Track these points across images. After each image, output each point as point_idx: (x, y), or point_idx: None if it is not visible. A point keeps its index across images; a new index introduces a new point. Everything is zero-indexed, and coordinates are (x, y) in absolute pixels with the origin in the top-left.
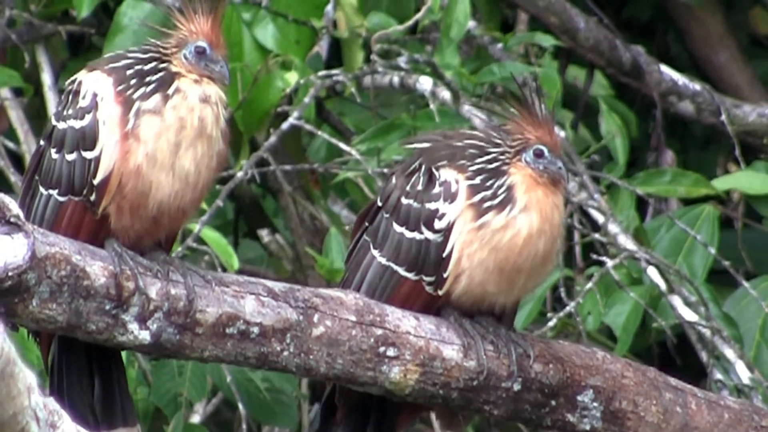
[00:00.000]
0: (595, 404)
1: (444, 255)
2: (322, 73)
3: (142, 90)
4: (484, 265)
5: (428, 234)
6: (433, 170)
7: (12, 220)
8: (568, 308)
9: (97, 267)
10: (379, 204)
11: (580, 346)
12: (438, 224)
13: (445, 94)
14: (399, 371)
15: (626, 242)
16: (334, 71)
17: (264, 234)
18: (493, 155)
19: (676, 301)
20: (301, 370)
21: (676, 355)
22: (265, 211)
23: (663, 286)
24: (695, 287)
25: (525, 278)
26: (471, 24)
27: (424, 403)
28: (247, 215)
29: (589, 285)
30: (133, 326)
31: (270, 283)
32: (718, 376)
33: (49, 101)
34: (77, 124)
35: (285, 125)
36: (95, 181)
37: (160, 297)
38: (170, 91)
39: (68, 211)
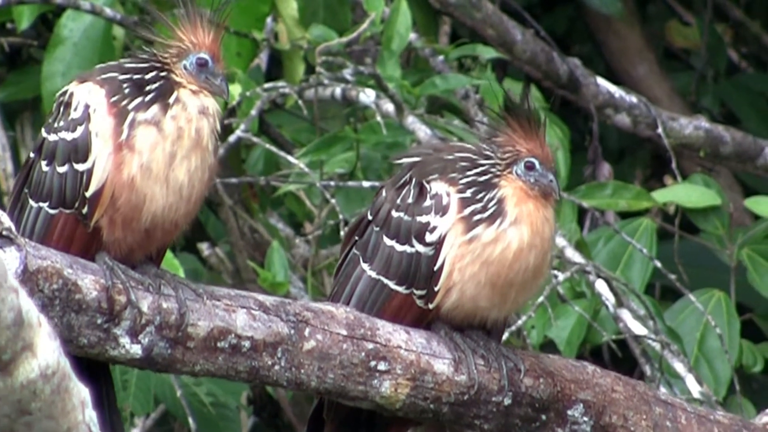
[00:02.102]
0: (585, 419)
1: (435, 268)
2: (268, 85)
3: (138, 100)
4: (475, 279)
5: (419, 247)
6: (424, 183)
7: (4, 233)
8: (519, 322)
9: (88, 281)
10: (369, 217)
11: (569, 360)
12: (429, 237)
13: (389, 107)
14: (390, 385)
15: (573, 255)
16: (280, 83)
17: (204, 247)
18: (484, 168)
19: (625, 314)
20: (292, 385)
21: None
22: (203, 225)
23: (612, 299)
24: (643, 301)
25: (517, 292)
26: (412, 36)
27: (415, 418)
28: None
29: (541, 299)
30: (125, 340)
31: (261, 297)
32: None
33: None
34: (69, 136)
35: (232, 138)
36: (87, 194)
37: (151, 311)
38: (170, 100)
39: (59, 224)
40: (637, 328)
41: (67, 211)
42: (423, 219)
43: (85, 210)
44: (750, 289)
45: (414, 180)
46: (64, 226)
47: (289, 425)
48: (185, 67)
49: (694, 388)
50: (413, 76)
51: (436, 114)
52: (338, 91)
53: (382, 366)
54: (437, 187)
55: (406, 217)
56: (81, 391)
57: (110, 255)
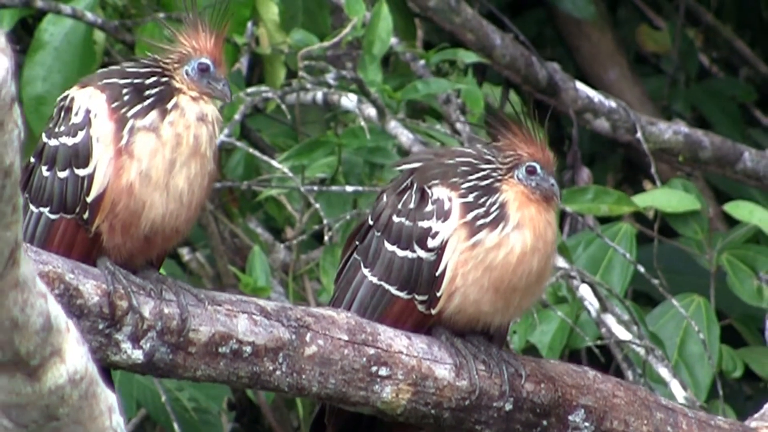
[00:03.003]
0: (586, 424)
1: (437, 274)
2: (251, 89)
3: (137, 107)
4: (478, 284)
5: (421, 252)
6: (426, 188)
7: None
8: None
9: (90, 286)
10: (370, 222)
11: (570, 365)
12: (431, 243)
13: (371, 111)
14: (391, 391)
15: (558, 260)
16: (263, 88)
17: (184, 252)
18: (486, 172)
19: (609, 319)
20: (294, 390)
21: None
22: None
23: (596, 304)
24: (626, 306)
25: (520, 297)
26: (393, 41)
27: (416, 423)
28: None
29: None
30: (126, 345)
31: (262, 302)
32: None
33: None
34: (70, 141)
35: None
36: (88, 199)
37: (153, 316)
38: (169, 106)
39: (60, 229)
40: (622, 333)
41: (68, 217)
42: (425, 224)
43: (86, 215)
44: (728, 294)
45: (415, 185)
46: (65, 231)
47: (270, 430)
48: (187, 73)
49: (679, 393)
50: (394, 81)
51: (416, 119)
52: (319, 95)
53: (383, 371)
54: (439, 192)
55: (407, 223)
56: (108, 397)
57: (111, 260)
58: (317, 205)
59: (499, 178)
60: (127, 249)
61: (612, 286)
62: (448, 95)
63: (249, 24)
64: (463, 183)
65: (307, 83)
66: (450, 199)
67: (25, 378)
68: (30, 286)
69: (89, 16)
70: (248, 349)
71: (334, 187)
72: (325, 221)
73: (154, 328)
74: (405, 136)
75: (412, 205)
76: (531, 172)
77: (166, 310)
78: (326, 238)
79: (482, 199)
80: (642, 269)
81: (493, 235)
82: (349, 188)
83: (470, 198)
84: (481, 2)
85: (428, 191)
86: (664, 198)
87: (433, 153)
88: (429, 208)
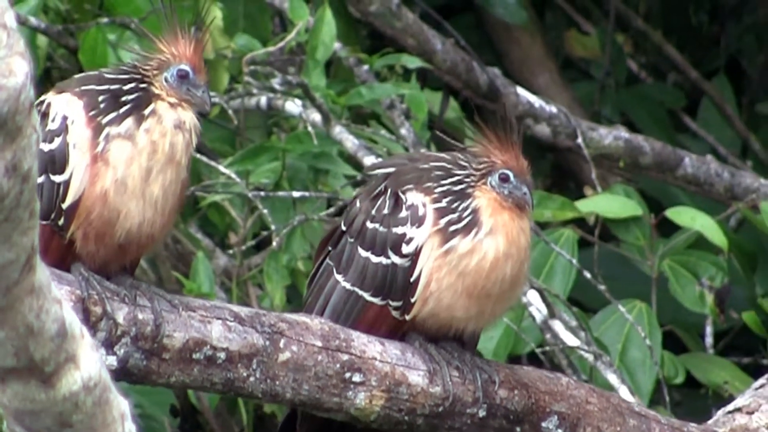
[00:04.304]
0: (560, 430)
1: (412, 279)
2: None
3: (113, 114)
4: (452, 290)
5: (395, 258)
6: (400, 194)
7: None
8: None
9: (64, 291)
10: (343, 228)
11: (544, 372)
12: (406, 249)
13: (316, 116)
14: (365, 397)
15: None
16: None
17: None
18: (459, 177)
19: (557, 325)
20: (267, 396)
21: None
22: None
23: (544, 310)
24: (574, 312)
25: (494, 303)
26: (336, 45)
27: (389, 430)
28: None
29: None
30: (100, 351)
31: (236, 308)
32: None
33: None
34: (46, 147)
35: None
36: (64, 206)
37: (127, 322)
38: (146, 112)
39: None
40: (570, 339)
41: (43, 222)
42: (399, 230)
43: (61, 222)
44: (669, 300)
45: (389, 190)
46: (40, 236)
47: None
48: (166, 80)
49: (628, 399)
50: (337, 86)
51: (357, 123)
52: (263, 100)
53: (356, 377)
54: (413, 197)
55: (381, 229)
56: (121, 404)
57: (86, 266)
58: (265, 211)
59: (473, 184)
60: (101, 256)
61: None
62: (392, 100)
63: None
64: (436, 187)
65: (253, 88)
66: (424, 205)
67: (40, 384)
68: (45, 292)
69: (32, 20)
70: (222, 355)
71: (281, 193)
72: (272, 227)
73: (128, 333)
74: (350, 142)
75: (386, 211)
76: (504, 179)
77: (140, 316)
78: (274, 243)
79: (455, 204)
80: (588, 275)
81: (466, 241)
82: (296, 194)
83: (443, 203)
84: (417, 4)
85: (402, 196)
86: (605, 204)
87: (407, 158)
88: (403, 213)
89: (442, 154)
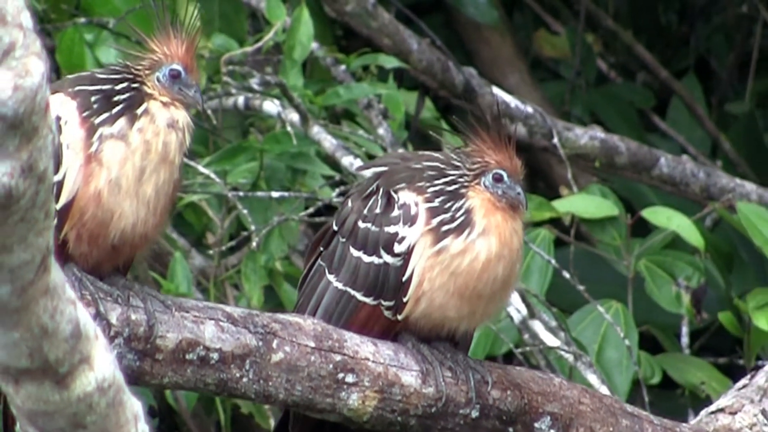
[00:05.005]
0: (552, 431)
1: (404, 279)
2: None
3: (105, 115)
4: (444, 289)
5: (387, 258)
6: (392, 193)
7: None
8: None
9: None
10: (335, 228)
11: (536, 372)
12: (398, 248)
13: (294, 116)
14: (358, 398)
15: None
16: None
17: None
18: (452, 177)
19: (537, 326)
20: (260, 397)
21: None
22: None
23: (524, 310)
24: (553, 313)
25: (485, 303)
26: (314, 45)
27: (382, 430)
28: None
29: None
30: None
31: (229, 309)
32: None
33: None
34: None
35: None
36: (57, 206)
37: (120, 323)
38: (138, 111)
39: None
40: (550, 340)
41: None
42: (391, 229)
43: (54, 222)
44: (644, 300)
45: (381, 190)
46: None
47: None
48: (158, 79)
49: None
50: (314, 86)
51: (333, 123)
52: (241, 100)
53: (349, 378)
54: (405, 196)
55: (373, 228)
56: (134, 405)
57: (78, 266)
58: (245, 211)
59: (466, 184)
60: (94, 257)
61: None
62: (370, 100)
63: None
64: (429, 187)
65: (232, 88)
66: (416, 204)
67: (54, 386)
68: (60, 293)
69: None
70: (215, 355)
71: (260, 193)
72: (252, 227)
73: (122, 334)
74: (328, 141)
75: (378, 210)
76: (498, 179)
77: (133, 317)
78: (254, 243)
79: (448, 204)
80: (567, 275)
81: (459, 241)
82: (275, 194)
83: (436, 203)
84: (393, 4)
85: (394, 196)
86: (582, 203)
87: (399, 157)
88: (395, 213)
89: (436, 154)
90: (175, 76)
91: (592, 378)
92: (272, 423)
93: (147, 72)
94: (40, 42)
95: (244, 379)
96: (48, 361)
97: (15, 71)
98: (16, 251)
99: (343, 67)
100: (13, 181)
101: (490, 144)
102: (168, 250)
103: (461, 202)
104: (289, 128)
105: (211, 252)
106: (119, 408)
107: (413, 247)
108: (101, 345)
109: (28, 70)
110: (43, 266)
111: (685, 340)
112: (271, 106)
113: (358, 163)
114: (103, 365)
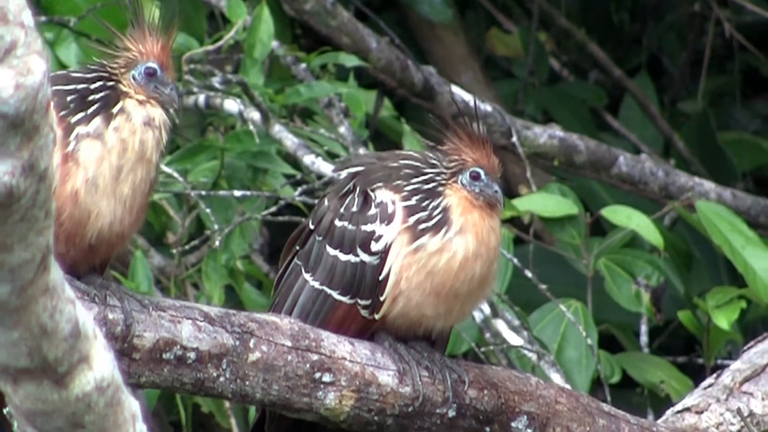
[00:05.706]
0: (529, 430)
1: (381, 278)
2: None
3: (81, 114)
4: (421, 288)
5: (364, 256)
6: (369, 192)
7: None
8: None
9: None
10: (311, 227)
11: (513, 372)
12: (375, 246)
13: (255, 115)
14: (334, 397)
15: None
16: None
17: None
18: (429, 176)
19: (500, 324)
20: (237, 397)
21: None
22: None
23: (487, 310)
24: (516, 311)
25: (462, 302)
26: (274, 44)
27: (359, 430)
28: None
29: None
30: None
31: (206, 308)
32: None
33: None
34: None
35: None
36: None
37: (97, 322)
38: (114, 110)
39: None
40: (513, 339)
41: None
42: (368, 228)
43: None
44: (603, 299)
45: (358, 188)
46: None
47: None
48: (134, 77)
49: None
50: (275, 84)
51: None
52: (201, 99)
53: (326, 378)
54: (382, 195)
55: (350, 226)
56: (132, 405)
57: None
58: (208, 210)
59: (443, 182)
60: (71, 256)
61: None
62: (331, 99)
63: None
64: (406, 185)
65: (194, 86)
66: (393, 203)
67: (53, 385)
68: (59, 292)
69: None
70: (192, 355)
71: (222, 192)
72: (216, 226)
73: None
74: (290, 140)
75: (354, 209)
76: (475, 177)
77: (110, 316)
78: (217, 242)
79: (425, 203)
80: (530, 274)
81: (436, 239)
82: (237, 193)
83: (413, 201)
84: (351, 2)
85: (371, 194)
86: (541, 202)
87: (376, 156)
88: (372, 211)
89: (412, 153)
90: (150, 74)
91: (556, 377)
92: (233, 422)
93: (122, 70)
94: (41, 40)
95: (221, 379)
96: (47, 360)
97: (16, 70)
98: (16, 250)
99: (303, 65)
100: (14, 180)
101: (467, 142)
102: (128, 249)
103: (438, 200)
104: (251, 126)
105: (171, 251)
106: (118, 408)
107: (390, 245)
108: (100, 344)
109: (30, 69)
110: (43, 265)
111: (644, 339)
112: (232, 105)
113: (320, 161)
114: (101, 365)
